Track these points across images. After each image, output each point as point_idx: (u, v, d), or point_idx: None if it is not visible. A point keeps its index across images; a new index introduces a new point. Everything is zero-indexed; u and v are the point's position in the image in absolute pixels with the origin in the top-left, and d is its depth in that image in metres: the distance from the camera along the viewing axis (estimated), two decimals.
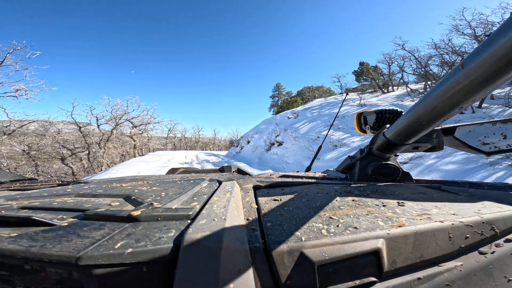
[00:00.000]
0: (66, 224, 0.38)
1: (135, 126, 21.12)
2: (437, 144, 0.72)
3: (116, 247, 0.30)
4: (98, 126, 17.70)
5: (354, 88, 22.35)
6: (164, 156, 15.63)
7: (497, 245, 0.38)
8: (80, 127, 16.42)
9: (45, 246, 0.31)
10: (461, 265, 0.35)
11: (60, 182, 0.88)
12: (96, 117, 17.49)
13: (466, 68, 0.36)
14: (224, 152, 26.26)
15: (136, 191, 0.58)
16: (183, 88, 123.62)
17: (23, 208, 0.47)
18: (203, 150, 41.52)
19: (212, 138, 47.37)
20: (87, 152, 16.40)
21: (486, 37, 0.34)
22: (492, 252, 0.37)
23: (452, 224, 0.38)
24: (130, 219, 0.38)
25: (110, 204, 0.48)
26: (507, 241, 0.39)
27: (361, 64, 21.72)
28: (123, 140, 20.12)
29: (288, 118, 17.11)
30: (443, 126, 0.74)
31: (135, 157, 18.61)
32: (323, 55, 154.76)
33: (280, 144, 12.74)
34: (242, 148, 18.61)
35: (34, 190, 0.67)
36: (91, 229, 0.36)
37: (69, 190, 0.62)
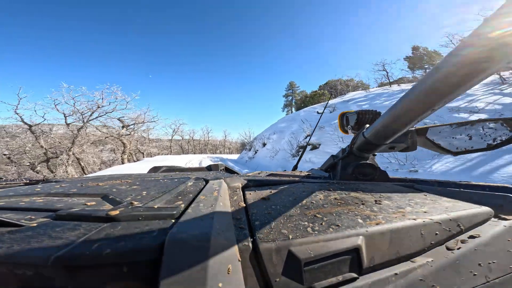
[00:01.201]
0: (35, 224, 0.35)
1: (125, 126, 17.34)
2: (411, 145, 0.76)
3: (92, 248, 0.29)
4: (68, 125, 14.32)
5: (400, 79, 17.45)
6: (160, 163, 11.90)
7: (462, 241, 0.41)
8: (30, 126, 12.88)
9: (12, 247, 0.29)
10: (432, 261, 0.37)
11: (28, 181, 0.83)
12: (64, 113, 14.08)
13: (440, 71, 0.38)
14: (235, 156, 22.21)
15: (114, 190, 0.56)
16: (190, 89, 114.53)
17: None
18: (213, 153, 37.70)
19: (223, 140, 43.28)
20: (45, 158, 13.11)
21: (460, 42, 0.36)
22: (458, 248, 0.39)
23: (423, 221, 0.41)
24: (108, 219, 0.36)
25: (85, 204, 0.46)
26: (471, 237, 0.41)
27: (415, 49, 16.78)
28: (104, 143, 16.57)
29: (318, 113, 12.92)
30: (416, 127, 0.78)
31: (123, 163, 14.78)
32: (346, 48, 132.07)
33: (315, 147, 8.41)
34: (256, 153, 14.33)
35: None
36: (64, 230, 0.33)
37: (38, 189, 0.59)
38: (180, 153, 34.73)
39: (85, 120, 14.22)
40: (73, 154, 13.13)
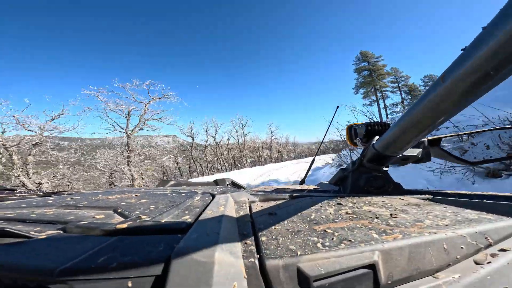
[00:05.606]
0: (44, 236, 0.36)
1: None
2: (425, 156, 0.73)
3: (98, 261, 0.29)
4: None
5: None
6: None
7: (492, 255, 0.38)
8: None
9: (19, 259, 0.29)
10: (459, 276, 0.34)
11: (41, 193, 0.85)
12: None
13: (446, 81, 0.38)
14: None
15: (123, 203, 0.56)
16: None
17: None
18: (256, 162, 28.87)
19: (267, 140, 32.53)
20: None
21: (462, 51, 0.35)
22: (488, 262, 0.37)
23: (446, 235, 0.39)
24: (115, 232, 0.37)
25: (94, 217, 0.47)
26: (502, 250, 0.39)
27: None
28: None
29: None
30: (429, 138, 0.75)
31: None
32: None
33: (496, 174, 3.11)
34: None
35: (12, 201, 0.65)
36: (72, 243, 0.34)
37: (50, 201, 0.60)
38: (213, 170, 23.86)
39: None
40: None
